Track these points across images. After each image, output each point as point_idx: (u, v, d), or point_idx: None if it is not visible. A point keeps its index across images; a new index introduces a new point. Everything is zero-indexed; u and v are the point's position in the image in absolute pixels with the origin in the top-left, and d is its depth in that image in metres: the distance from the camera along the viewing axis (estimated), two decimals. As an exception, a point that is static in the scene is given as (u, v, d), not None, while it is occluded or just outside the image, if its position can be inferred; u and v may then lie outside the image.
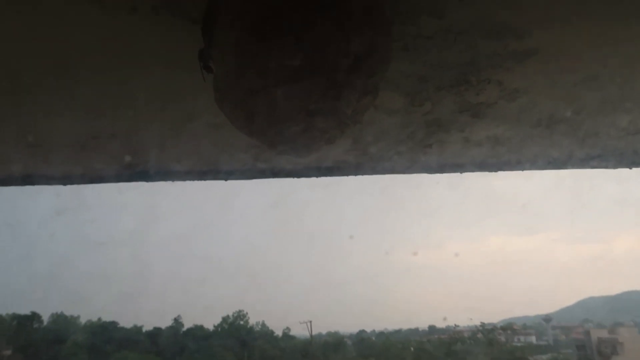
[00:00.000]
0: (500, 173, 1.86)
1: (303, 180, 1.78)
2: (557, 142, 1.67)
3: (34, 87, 1.13)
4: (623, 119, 1.40)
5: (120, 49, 1.02)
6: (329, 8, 0.72)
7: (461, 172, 1.80)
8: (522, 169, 1.83)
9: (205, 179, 1.76)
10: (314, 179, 1.77)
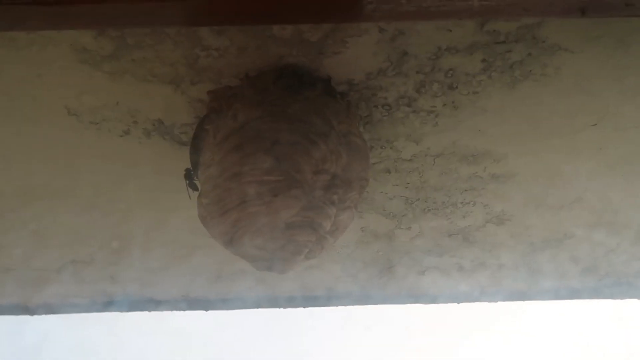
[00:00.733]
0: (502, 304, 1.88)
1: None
2: (558, 268, 1.72)
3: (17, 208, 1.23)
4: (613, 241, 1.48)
5: (110, 172, 1.14)
6: (306, 130, 0.84)
7: (458, 303, 1.83)
8: (525, 299, 1.86)
9: (194, 309, 1.78)
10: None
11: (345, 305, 1.80)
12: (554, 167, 1.18)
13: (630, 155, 1.15)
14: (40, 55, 0.85)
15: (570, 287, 1.79)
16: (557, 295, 1.82)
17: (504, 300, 1.83)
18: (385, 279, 1.69)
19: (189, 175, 0.98)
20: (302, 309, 1.83)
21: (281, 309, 1.83)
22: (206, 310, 1.78)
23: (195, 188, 0.98)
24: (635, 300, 1.85)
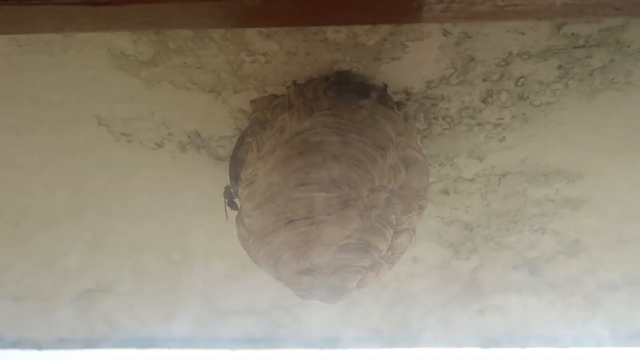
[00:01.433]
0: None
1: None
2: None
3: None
4: None
5: (138, 188, 1.19)
6: (362, 143, 0.87)
7: (522, 347, 1.81)
8: (601, 346, 1.84)
9: (201, 348, 1.81)
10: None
11: (389, 347, 1.80)
12: (637, 192, 1.18)
13: None
14: (75, 60, 0.91)
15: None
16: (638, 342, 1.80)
17: (575, 346, 1.81)
18: (436, 318, 1.69)
19: (228, 194, 1.01)
20: (340, 350, 1.84)
21: (316, 350, 1.84)
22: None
23: (235, 207, 1.02)
24: None
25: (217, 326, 1.69)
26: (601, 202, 1.23)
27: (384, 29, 0.85)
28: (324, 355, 1.84)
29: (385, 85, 0.95)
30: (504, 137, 1.06)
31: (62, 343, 1.76)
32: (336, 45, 0.88)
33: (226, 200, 1.02)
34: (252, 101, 0.98)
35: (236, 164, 1.00)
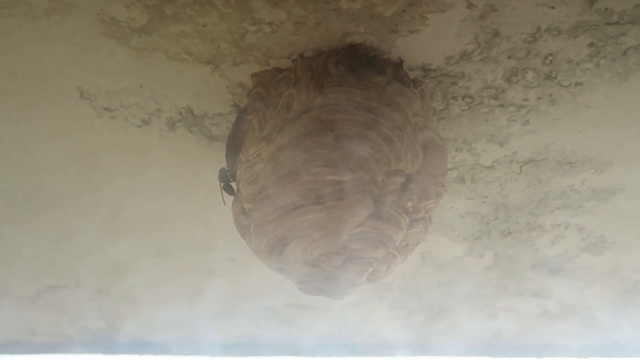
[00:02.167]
0: None
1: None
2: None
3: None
4: None
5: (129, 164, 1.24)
6: (377, 122, 0.93)
7: (539, 358, 1.89)
8: (623, 356, 1.92)
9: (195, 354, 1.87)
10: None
11: (391, 356, 1.87)
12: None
13: None
14: (59, 26, 0.95)
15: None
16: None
17: (596, 356, 1.89)
18: (444, 323, 1.76)
19: (224, 177, 1.07)
20: (334, 358, 1.90)
21: (308, 358, 1.91)
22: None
23: (231, 192, 1.07)
24: None
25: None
26: (631, 194, 1.29)
27: (403, -2, 0.91)
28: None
29: (401, 61, 1.00)
30: (528, 120, 1.12)
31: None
32: (350, 15, 0.93)
33: (222, 184, 1.07)
34: (254, 75, 1.03)
35: (234, 143, 1.05)
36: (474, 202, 1.32)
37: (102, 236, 1.43)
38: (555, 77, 1.04)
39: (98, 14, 0.93)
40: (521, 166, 1.22)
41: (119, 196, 1.32)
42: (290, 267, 0.97)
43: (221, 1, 0.91)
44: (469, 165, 1.22)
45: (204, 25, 0.94)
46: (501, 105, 1.09)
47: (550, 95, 1.07)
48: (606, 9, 0.92)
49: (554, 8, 0.92)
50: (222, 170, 1.08)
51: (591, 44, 0.98)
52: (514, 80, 1.04)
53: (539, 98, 1.08)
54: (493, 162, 1.21)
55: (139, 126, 1.14)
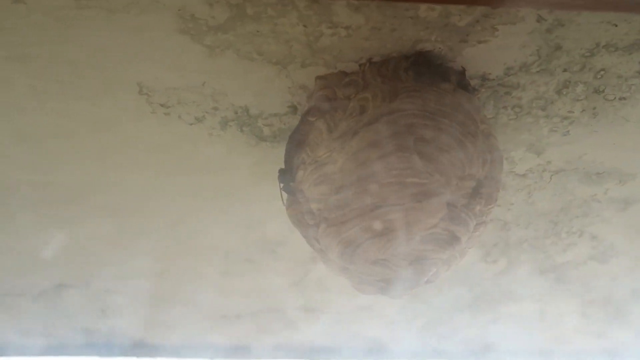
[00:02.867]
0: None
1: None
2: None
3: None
4: None
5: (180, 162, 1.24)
6: (452, 128, 0.97)
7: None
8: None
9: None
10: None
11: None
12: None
13: None
14: (134, 21, 0.96)
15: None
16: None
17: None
18: (448, 327, 1.81)
19: (283, 177, 1.08)
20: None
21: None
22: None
23: (290, 192, 1.09)
24: None
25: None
26: (646, 205, 1.37)
27: (479, 10, 0.95)
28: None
29: (464, 69, 1.05)
30: (568, 131, 1.18)
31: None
32: (425, 23, 0.97)
33: (281, 185, 1.09)
34: (318, 77, 1.05)
35: (296, 145, 1.07)
36: (500, 209, 1.36)
37: (124, 231, 1.42)
38: (603, 91, 1.10)
39: (179, 10, 0.94)
40: (552, 175, 1.28)
41: (152, 193, 1.31)
42: (358, 266, 0.99)
43: (303, 3, 0.93)
44: (503, 172, 1.26)
45: (281, 26, 0.96)
46: (546, 116, 1.14)
47: (594, 108, 1.13)
48: (663, 29, 0.98)
49: (616, 26, 0.97)
50: (280, 171, 1.09)
51: (642, 62, 1.04)
52: (564, 93, 1.10)
53: (582, 110, 1.13)
54: (527, 170, 1.26)
55: (191, 124, 1.15)
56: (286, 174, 1.08)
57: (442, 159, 0.93)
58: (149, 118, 1.13)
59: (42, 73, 1.04)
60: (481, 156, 0.96)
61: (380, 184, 0.92)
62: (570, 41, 1.01)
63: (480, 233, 1.03)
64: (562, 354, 1.89)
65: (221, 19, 0.96)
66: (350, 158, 0.94)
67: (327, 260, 1.04)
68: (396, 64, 1.01)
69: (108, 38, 1.00)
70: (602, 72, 1.06)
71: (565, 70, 1.06)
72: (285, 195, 1.09)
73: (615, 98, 1.11)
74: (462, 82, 1.04)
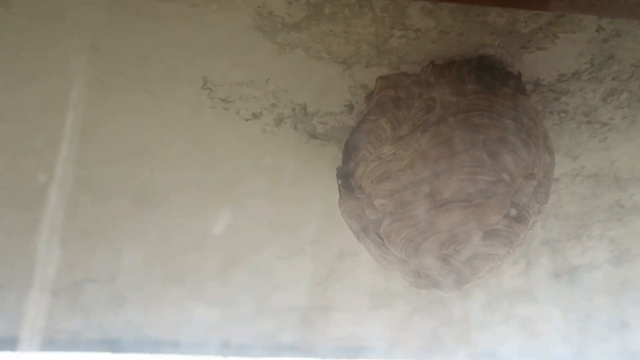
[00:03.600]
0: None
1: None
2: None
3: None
4: None
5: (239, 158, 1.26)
6: (518, 129, 1.02)
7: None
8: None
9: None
10: None
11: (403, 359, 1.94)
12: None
13: None
14: (212, 16, 0.98)
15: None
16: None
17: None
18: (459, 329, 1.86)
19: (342, 174, 1.11)
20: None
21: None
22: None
23: (349, 188, 1.12)
24: None
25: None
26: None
27: (545, 17, 1.00)
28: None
29: (520, 74, 1.09)
30: (605, 137, 1.24)
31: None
32: (492, 28, 1.01)
33: (340, 182, 1.12)
34: (380, 77, 1.09)
35: (356, 143, 1.10)
36: (530, 211, 1.41)
37: (160, 224, 1.43)
38: (645, 100, 1.15)
39: (258, 7, 0.97)
40: (583, 180, 1.33)
41: (192, 187, 1.33)
42: (419, 260, 1.03)
43: (380, 5, 0.97)
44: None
45: (354, 27, 0.99)
46: (588, 122, 1.20)
47: (634, 116, 1.19)
48: None
49: (669, 37, 1.03)
50: (339, 168, 1.12)
51: (686, 73, 1.10)
52: (609, 100, 1.15)
53: (623, 117, 1.19)
54: (561, 174, 1.32)
55: (247, 119, 1.17)
56: (344, 171, 1.11)
57: (508, 158, 0.97)
58: (207, 113, 1.15)
59: (110, 65, 1.05)
60: (542, 157, 1.01)
61: (450, 180, 0.95)
62: (623, 51, 1.06)
63: (532, 231, 1.07)
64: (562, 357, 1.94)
65: (297, 18, 0.98)
66: (420, 156, 0.98)
67: (377, 255, 1.07)
68: (459, 67, 1.05)
69: (181, 32, 1.01)
70: (647, 82, 1.12)
71: (614, 79, 1.11)
72: (342, 191, 1.12)
73: (656, 107, 1.17)
74: (519, 87, 1.08)
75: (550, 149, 1.05)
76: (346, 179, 1.11)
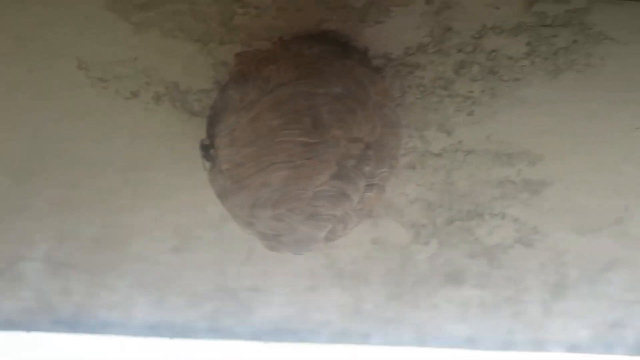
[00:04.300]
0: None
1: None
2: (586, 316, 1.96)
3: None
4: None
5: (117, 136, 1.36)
6: (343, 95, 1.09)
7: (473, 349, 2.05)
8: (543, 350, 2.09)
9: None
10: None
11: (339, 343, 1.99)
12: (597, 178, 1.44)
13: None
14: (67, -4, 1.08)
15: (604, 339, 2.03)
16: (583, 348, 2.05)
17: (521, 350, 2.05)
18: (392, 312, 1.90)
19: (203, 146, 1.20)
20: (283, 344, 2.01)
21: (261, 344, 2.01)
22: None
23: (210, 160, 1.21)
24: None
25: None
26: (559, 188, 1.47)
27: (372, -8, 1.07)
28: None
29: (367, 49, 1.17)
30: (472, 111, 1.29)
31: None
32: (326, 4, 1.09)
33: (202, 154, 1.21)
34: (237, 54, 1.18)
35: (215, 115, 1.19)
36: (422, 188, 1.47)
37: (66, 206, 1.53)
38: (497, 72, 1.21)
39: (105, -13, 1.06)
40: (465, 155, 1.38)
41: (96, 162, 1.42)
42: (259, 221, 1.11)
43: (216, -17, 1.05)
44: (419, 152, 1.38)
45: (198, 5, 1.08)
46: (450, 96, 1.26)
47: (492, 88, 1.24)
48: (542, 12, 1.10)
49: (498, 8, 1.09)
50: (201, 141, 1.21)
51: (528, 43, 1.16)
52: (462, 73, 1.21)
53: (482, 91, 1.25)
54: (441, 150, 1.37)
55: (127, 98, 1.26)
56: (206, 144, 1.20)
57: (331, 122, 1.04)
58: (88, 92, 1.25)
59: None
60: (370, 122, 1.08)
61: (273, 142, 1.03)
62: (459, 22, 1.12)
63: (375, 196, 1.13)
64: (494, 342, 1.96)
65: (145, -2, 1.08)
66: (252, 120, 1.07)
67: (236, 215, 1.15)
68: (302, 41, 1.13)
69: (49, 13, 1.12)
70: (493, 54, 1.18)
71: (459, 51, 1.17)
72: (206, 162, 1.21)
73: (509, 79, 1.22)
74: (363, 60, 1.16)
75: (386, 116, 1.12)
76: (207, 151, 1.20)
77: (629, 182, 1.44)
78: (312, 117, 1.04)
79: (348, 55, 1.13)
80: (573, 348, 2.05)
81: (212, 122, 1.19)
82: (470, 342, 2.00)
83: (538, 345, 2.02)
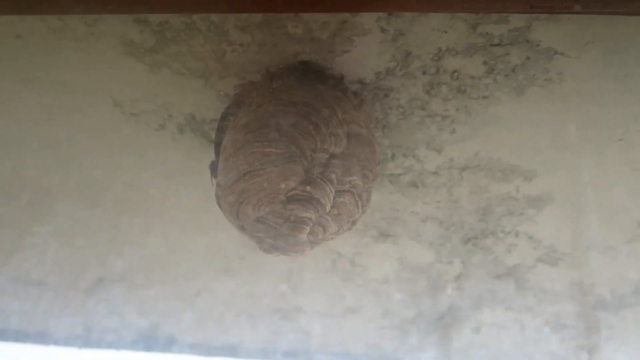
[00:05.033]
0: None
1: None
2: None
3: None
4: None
5: (143, 169, 1.61)
6: (309, 113, 1.27)
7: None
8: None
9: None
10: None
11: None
12: (592, 190, 1.49)
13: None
14: (95, 46, 1.35)
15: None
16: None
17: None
18: (434, 336, 1.99)
19: (213, 167, 1.42)
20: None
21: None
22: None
23: (216, 177, 1.42)
24: None
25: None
26: (563, 203, 1.53)
27: (334, 24, 1.25)
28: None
29: (342, 75, 1.34)
30: (453, 129, 1.42)
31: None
32: (296, 38, 1.28)
33: (212, 174, 1.42)
34: (235, 86, 1.40)
35: (219, 140, 1.41)
36: (430, 206, 1.59)
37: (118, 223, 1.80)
38: (465, 91, 1.33)
39: (121, 37, 1.32)
40: (460, 172, 1.50)
41: (131, 188, 1.68)
42: (246, 225, 1.29)
43: (204, 26, 1.28)
44: (416, 170, 1.51)
45: (194, 47, 1.31)
46: (429, 115, 1.39)
47: (466, 107, 1.36)
48: (487, 32, 1.22)
49: (446, 32, 1.23)
50: (212, 163, 1.43)
51: (484, 62, 1.28)
52: (433, 93, 1.35)
53: (457, 109, 1.37)
54: (436, 168, 1.49)
55: (157, 130, 1.51)
56: (215, 165, 1.42)
57: (297, 135, 1.23)
58: (125, 126, 1.52)
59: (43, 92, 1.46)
60: (334, 136, 1.25)
61: (246, 154, 1.23)
62: (416, 48, 1.27)
63: (350, 201, 1.28)
64: None
65: (151, 42, 1.33)
66: (232, 137, 1.27)
67: (230, 221, 1.35)
68: (283, 72, 1.33)
69: (83, 60, 1.40)
70: (455, 74, 1.31)
71: (424, 73, 1.31)
72: (213, 180, 1.42)
73: (479, 97, 1.34)
74: (339, 85, 1.33)
75: (352, 130, 1.28)
76: (215, 171, 1.42)
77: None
78: (279, 132, 1.22)
79: (323, 81, 1.31)
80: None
81: (217, 146, 1.41)
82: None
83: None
